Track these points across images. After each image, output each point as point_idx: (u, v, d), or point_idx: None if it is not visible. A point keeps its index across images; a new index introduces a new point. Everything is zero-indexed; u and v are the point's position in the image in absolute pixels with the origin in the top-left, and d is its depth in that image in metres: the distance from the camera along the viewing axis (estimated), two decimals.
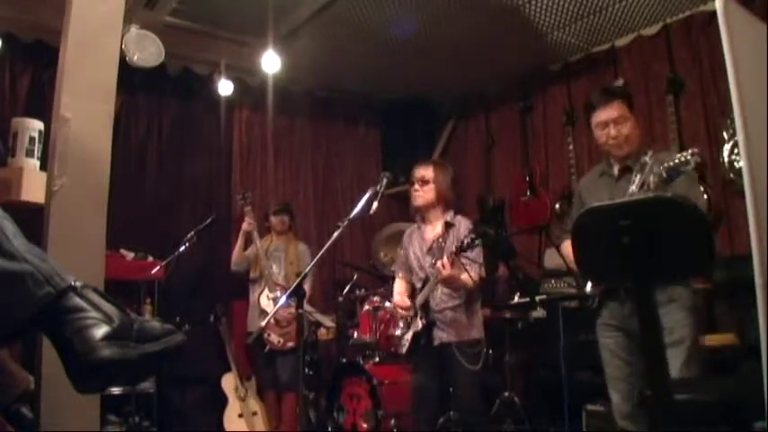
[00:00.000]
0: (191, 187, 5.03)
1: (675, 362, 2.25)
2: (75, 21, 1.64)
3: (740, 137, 1.59)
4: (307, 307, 3.63)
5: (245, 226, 4.40)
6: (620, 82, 4.42)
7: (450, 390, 3.18)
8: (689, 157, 2.11)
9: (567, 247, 2.80)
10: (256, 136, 5.43)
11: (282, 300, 3.20)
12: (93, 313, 1.05)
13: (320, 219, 5.63)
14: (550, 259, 4.50)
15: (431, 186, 3.20)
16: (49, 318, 1.04)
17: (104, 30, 1.70)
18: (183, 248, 4.18)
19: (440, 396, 3.21)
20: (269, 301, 4.24)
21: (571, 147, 4.80)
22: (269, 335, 4.19)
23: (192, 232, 4.23)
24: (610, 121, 2.55)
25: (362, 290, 4.52)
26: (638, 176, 2.29)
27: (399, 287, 3.38)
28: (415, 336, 3.12)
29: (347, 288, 4.55)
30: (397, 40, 4.54)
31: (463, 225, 3.15)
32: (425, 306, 3.11)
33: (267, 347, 4.21)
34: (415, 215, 3.36)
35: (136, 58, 4.08)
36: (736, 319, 3.28)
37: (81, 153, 1.59)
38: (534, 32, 4.46)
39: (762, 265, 1.50)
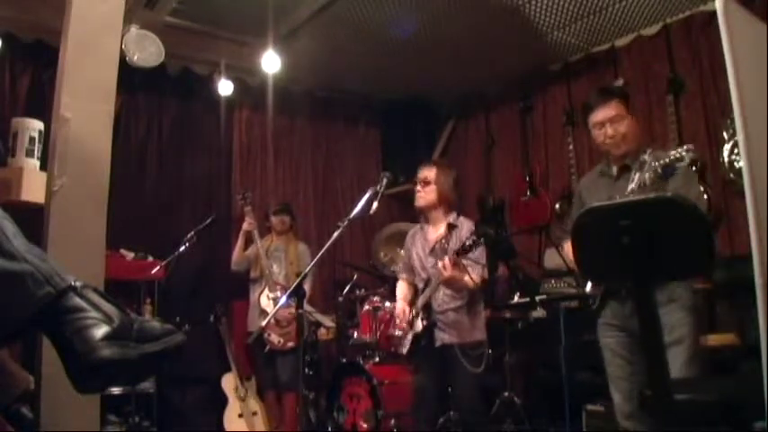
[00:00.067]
0: (191, 187, 5.03)
1: (676, 362, 2.25)
2: (75, 21, 1.64)
3: (740, 137, 1.58)
4: (307, 307, 3.62)
5: (245, 226, 4.40)
6: (620, 82, 4.42)
7: (450, 390, 3.18)
8: (683, 153, 2.12)
9: (568, 247, 2.80)
10: (256, 136, 5.43)
11: (282, 300, 3.20)
12: (93, 313, 1.05)
13: (320, 219, 5.63)
14: (550, 259, 4.49)
15: (432, 187, 3.20)
16: (48, 318, 1.04)
17: (104, 30, 1.70)
18: (183, 248, 4.19)
19: (440, 396, 3.20)
20: (269, 301, 4.24)
21: (571, 147, 4.80)
22: (269, 335, 4.19)
23: (192, 232, 4.24)
24: (606, 121, 2.56)
25: (362, 290, 4.53)
26: (637, 175, 2.29)
27: (402, 291, 3.37)
28: (416, 336, 3.12)
29: (347, 288, 4.56)
30: (397, 40, 4.54)
31: (466, 226, 3.14)
32: (427, 307, 3.11)
33: (267, 347, 4.22)
34: (420, 216, 3.36)
35: (136, 58, 4.09)
36: (736, 319, 3.28)
37: (81, 153, 1.59)
38: (534, 32, 4.46)
39: (762, 265, 1.50)
